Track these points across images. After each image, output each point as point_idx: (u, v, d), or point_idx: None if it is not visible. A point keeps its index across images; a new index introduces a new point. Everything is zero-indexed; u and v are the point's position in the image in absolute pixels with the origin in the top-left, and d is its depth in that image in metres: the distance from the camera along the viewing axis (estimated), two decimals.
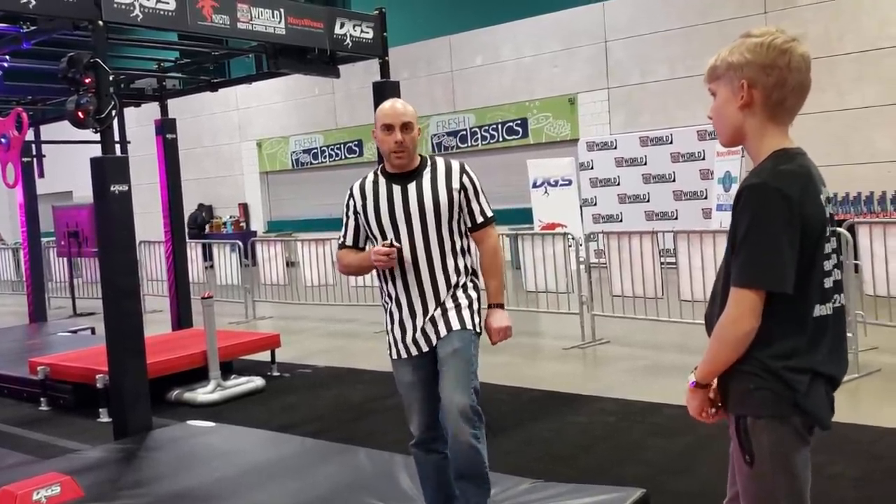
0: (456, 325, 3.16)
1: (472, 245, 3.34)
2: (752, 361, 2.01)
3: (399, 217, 3.18)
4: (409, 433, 3.34)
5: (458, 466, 3.09)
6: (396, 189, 3.19)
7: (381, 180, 3.25)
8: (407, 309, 3.20)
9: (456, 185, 3.20)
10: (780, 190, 1.95)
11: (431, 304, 3.17)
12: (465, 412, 3.03)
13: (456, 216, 3.21)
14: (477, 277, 3.33)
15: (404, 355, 3.25)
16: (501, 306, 3.31)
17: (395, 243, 3.15)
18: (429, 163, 3.26)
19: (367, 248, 3.33)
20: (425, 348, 3.20)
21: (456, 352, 3.12)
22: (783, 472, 2.03)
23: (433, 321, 3.18)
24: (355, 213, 3.29)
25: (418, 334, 3.20)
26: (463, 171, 3.25)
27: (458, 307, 3.19)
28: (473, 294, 3.26)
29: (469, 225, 3.27)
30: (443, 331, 3.17)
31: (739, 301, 1.98)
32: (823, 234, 2.03)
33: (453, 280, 3.20)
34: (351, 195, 3.31)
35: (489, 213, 3.31)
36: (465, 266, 3.25)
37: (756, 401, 2.02)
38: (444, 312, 3.17)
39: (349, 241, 3.34)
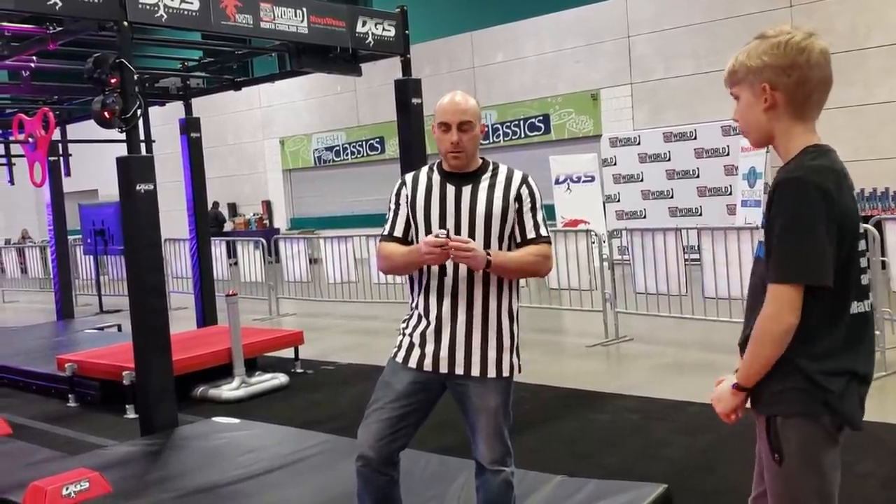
0: (493, 373, 2.87)
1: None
2: (785, 361, 2.00)
3: (447, 220, 2.88)
4: (364, 451, 2.91)
5: (488, 499, 2.98)
6: (450, 189, 2.91)
7: (437, 177, 2.96)
8: (435, 324, 2.89)
9: (513, 195, 2.89)
10: (817, 184, 1.93)
11: (463, 325, 2.86)
12: (500, 460, 2.93)
13: (508, 229, 2.90)
14: (518, 301, 3.00)
15: (412, 364, 2.91)
16: (488, 260, 2.78)
17: (449, 235, 2.77)
18: (490, 167, 2.96)
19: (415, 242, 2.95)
20: (443, 370, 2.89)
21: (496, 409, 2.89)
22: (812, 471, 2.02)
23: (468, 350, 2.86)
24: (406, 202, 2.97)
25: (443, 354, 2.87)
26: (524, 181, 2.93)
27: (500, 346, 2.88)
28: (515, 328, 2.95)
29: (518, 241, 2.92)
30: (476, 369, 2.87)
31: (778, 297, 1.96)
32: (859, 229, 2.02)
33: (493, 302, 2.87)
34: (403, 183, 3.01)
35: (543, 232, 2.93)
36: (512, 289, 2.93)
37: (786, 400, 2.01)
38: (485, 349, 2.87)
39: (397, 232, 2.96)
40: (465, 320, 2.87)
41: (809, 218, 1.92)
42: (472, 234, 2.85)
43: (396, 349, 2.99)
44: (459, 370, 2.88)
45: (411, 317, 2.99)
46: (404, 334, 2.99)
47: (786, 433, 2.01)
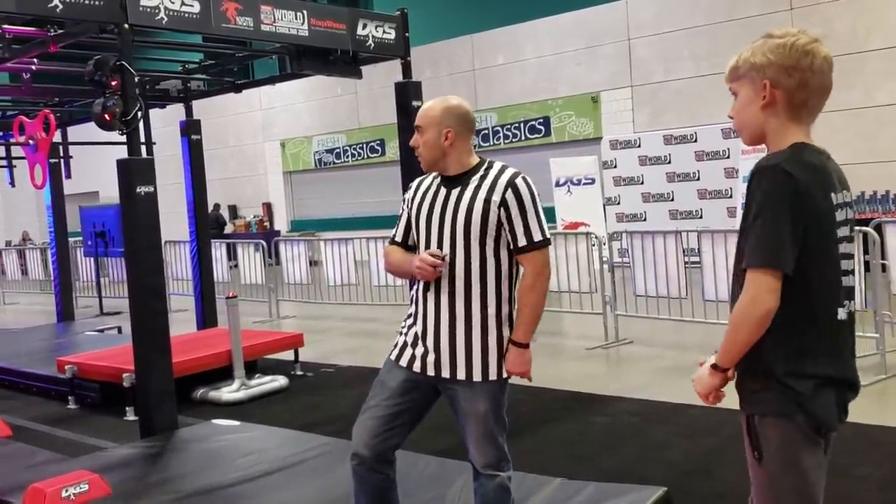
0: (478, 376, 2.82)
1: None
2: (759, 361, 2.03)
3: (434, 223, 2.88)
4: (358, 449, 2.91)
5: (485, 502, 2.96)
6: (442, 192, 2.90)
7: (437, 180, 2.97)
8: (422, 327, 2.90)
9: (496, 198, 2.78)
10: (790, 173, 1.95)
11: (447, 327, 2.84)
12: (494, 465, 2.90)
13: (493, 233, 2.80)
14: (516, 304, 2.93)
15: (404, 364, 2.93)
16: (522, 346, 2.84)
17: (445, 257, 2.82)
18: (483, 167, 2.90)
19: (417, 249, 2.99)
20: (430, 373, 2.87)
21: (486, 413, 2.84)
22: (791, 470, 2.04)
23: (453, 354, 2.83)
24: (408, 206, 3.01)
25: (430, 357, 2.87)
26: (510, 184, 2.80)
27: (485, 349, 2.82)
28: (506, 331, 2.86)
29: (511, 247, 2.84)
30: (461, 373, 2.83)
31: (756, 282, 1.98)
32: (832, 231, 2.03)
33: (478, 305, 2.82)
34: (409, 188, 3.06)
35: (536, 237, 2.81)
36: (504, 294, 2.85)
37: (763, 400, 2.04)
38: (469, 352, 2.82)
39: (398, 237, 3.03)
40: (448, 323, 2.86)
41: (779, 204, 1.94)
42: (452, 237, 2.84)
43: (393, 347, 3.03)
44: (445, 373, 2.87)
45: (409, 316, 3.01)
46: (401, 333, 3.02)
47: (765, 432, 2.04)
